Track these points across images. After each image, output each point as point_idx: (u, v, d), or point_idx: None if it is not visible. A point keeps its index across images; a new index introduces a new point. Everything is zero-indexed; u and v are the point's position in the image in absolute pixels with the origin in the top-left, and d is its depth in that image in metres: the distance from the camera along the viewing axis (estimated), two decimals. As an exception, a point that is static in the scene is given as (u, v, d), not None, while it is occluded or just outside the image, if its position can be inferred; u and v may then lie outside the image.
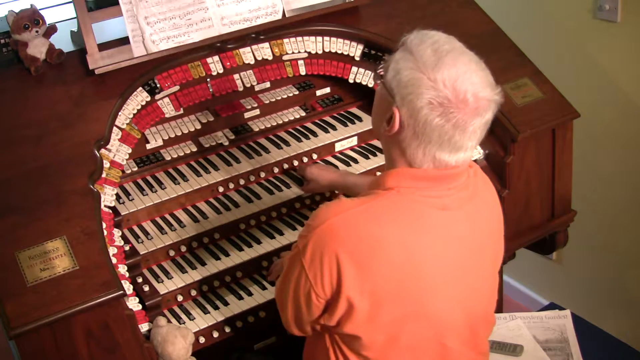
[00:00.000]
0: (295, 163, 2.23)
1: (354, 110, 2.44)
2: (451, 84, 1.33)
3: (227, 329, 1.87)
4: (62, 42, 2.03)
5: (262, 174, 2.18)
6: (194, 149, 2.18)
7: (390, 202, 1.41)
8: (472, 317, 1.52)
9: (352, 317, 1.41)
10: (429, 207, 1.41)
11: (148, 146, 2.14)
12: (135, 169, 2.11)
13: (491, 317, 1.61)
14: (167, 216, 2.06)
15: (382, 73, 1.45)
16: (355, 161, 2.26)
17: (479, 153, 2.20)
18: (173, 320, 1.85)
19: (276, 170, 2.20)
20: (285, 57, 2.20)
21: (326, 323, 1.46)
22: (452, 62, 1.35)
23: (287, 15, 2.16)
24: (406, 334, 1.44)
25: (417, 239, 1.40)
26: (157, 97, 2.03)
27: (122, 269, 1.78)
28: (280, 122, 2.31)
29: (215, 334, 1.86)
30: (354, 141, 2.33)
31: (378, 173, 2.22)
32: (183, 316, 1.87)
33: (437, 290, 1.43)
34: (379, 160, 2.26)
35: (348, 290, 1.38)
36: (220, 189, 2.13)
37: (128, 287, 1.77)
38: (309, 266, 1.41)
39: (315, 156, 2.27)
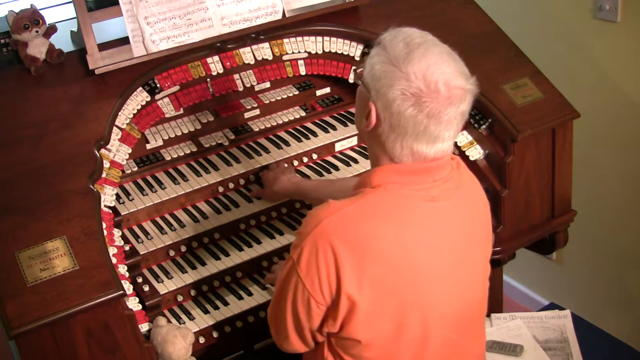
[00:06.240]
0: (296, 163, 2.23)
1: (354, 110, 2.43)
2: (422, 74, 1.36)
3: (227, 329, 1.87)
4: (62, 42, 2.03)
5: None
6: (194, 149, 2.18)
7: (379, 200, 1.43)
8: (469, 308, 1.53)
9: (354, 316, 1.41)
10: (417, 200, 1.43)
11: (148, 146, 2.14)
12: (135, 169, 2.10)
13: (485, 306, 1.63)
14: (167, 216, 2.06)
15: (360, 71, 1.48)
16: (355, 161, 2.26)
17: (479, 153, 2.19)
18: (173, 320, 1.85)
19: (276, 170, 2.20)
20: (285, 57, 2.20)
21: (330, 330, 1.46)
22: (422, 53, 1.38)
23: (287, 15, 2.16)
24: (407, 330, 1.44)
25: (409, 234, 1.42)
26: (157, 97, 2.04)
27: (122, 269, 1.78)
28: (280, 122, 2.31)
29: (215, 334, 1.86)
30: (354, 141, 2.33)
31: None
32: (183, 316, 1.87)
33: (434, 283, 1.44)
34: (379, 160, 2.26)
35: (347, 286, 1.38)
36: (220, 189, 2.13)
37: (128, 287, 1.77)
38: (305, 275, 1.41)
39: (315, 156, 2.27)
